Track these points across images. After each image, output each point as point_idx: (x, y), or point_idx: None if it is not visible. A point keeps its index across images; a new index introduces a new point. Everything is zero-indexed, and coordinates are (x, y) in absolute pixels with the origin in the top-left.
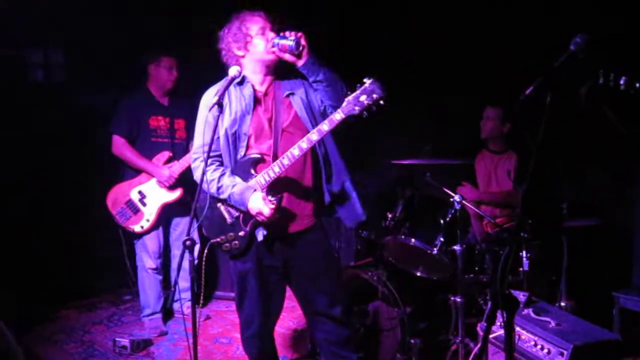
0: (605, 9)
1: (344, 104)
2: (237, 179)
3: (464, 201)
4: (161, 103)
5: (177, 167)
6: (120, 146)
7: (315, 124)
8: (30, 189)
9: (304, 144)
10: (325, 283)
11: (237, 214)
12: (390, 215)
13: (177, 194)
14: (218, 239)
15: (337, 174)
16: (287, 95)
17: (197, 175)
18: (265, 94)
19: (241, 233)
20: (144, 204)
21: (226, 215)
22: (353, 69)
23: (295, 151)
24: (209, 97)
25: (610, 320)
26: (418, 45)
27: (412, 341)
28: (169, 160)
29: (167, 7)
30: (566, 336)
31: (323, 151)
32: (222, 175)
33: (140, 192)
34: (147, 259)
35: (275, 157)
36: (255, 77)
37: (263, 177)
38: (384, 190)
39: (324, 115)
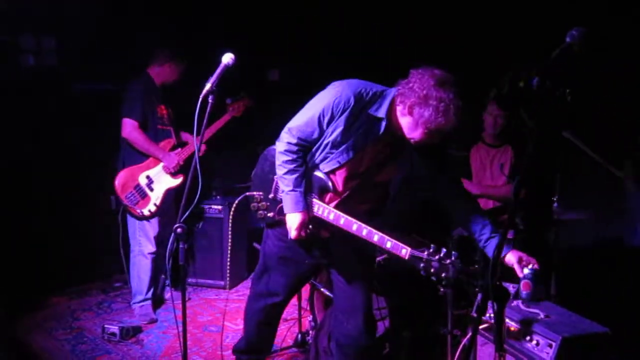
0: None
1: (418, 251)
2: (302, 188)
3: None
4: (161, 92)
5: (182, 153)
6: (132, 130)
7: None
8: (20, 176)
9: (364, 231)
10: (352, 284)
11: (280, 200)
12: None
13: (179, 179)
14: (255, 193)
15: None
16: (400, 155)
17: (278, 146)
18: (389, 142)
19: (270, 214)
20: (152, 189)
21: (273, 188)
22: (352, 66)
23: (354, 226)
24: (341, 99)
25: (599, 314)
26: (415, 36)
27: (403, 333)
28: (173, 148)
29: None
30: (555, 328)
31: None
32: (295, 171)
33: (148, 177)
34: (146, 244)
35: (348, 197)
36: (395, 124)
37: (320, 207)
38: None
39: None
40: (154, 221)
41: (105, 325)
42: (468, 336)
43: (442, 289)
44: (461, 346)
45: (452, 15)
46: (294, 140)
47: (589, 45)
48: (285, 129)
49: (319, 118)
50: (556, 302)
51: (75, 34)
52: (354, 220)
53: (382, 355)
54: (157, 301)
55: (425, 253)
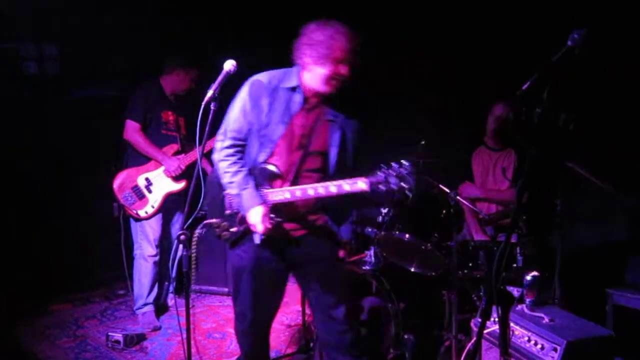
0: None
1: (374, 176)
2: (251, 184)
3: (458, 197)
4: (170, 100)
5: (185, 159)
6: (133, 131)
7: (335, 161)
8: (23, 183)
9: (321, 189)
10: (330, 283)
11: (236, 209)
12: (385, 211)
13: (181, 184)
14: (213, 221)
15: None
16: (329, 120)
17: (215, 157)
18: (311, 109)
19: (234, 229)
20: (150, 191)
21: (227, 205)
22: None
23: (310, 191)
24: (256, 85)
25: (603, 317)
26: (417, 38)
27: (406, 336)
28: (177, 153)
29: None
30: (560, 332)
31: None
32: (239, 172)
33: (147, 179)
34: (146, 247)
35: (295, 177)
36: (308, 89)
37: (274, 194)
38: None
39: (346, 163)
40: (155, 224)
41: (109, 333)
42: (473, 340)
43: (445, 294)
44: (466, 350)
45: (455, 19)
46: (228, 143)
47: (590, 48)
48: (217, 138)
49: (243, 110)
50: (560, 306)
51: (77, 41)
52: (307, 186)
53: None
54: (161, 308)
55: (381, 174)
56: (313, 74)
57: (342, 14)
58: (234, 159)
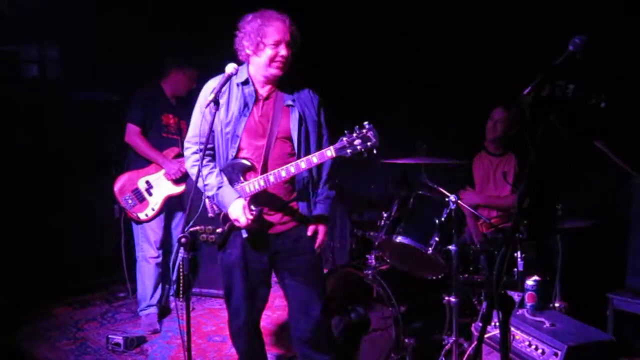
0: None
1: (338, 142)
2: (225, 181)
3: (459, 201)
4: (171, 102)
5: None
6: (134, 135)
7: (302, 142)
8: (24, 186)
9: (292, 168)
10: (307, 280)
11: (218, 210)
12: (385, 215)
13: (182, 187)
14: (197, 228)
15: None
16: (288, 106)
17: (187, 165)
18: (267, 98)
19: (219, 230)
20: (150, 194)
21: (209, 209)
22: (351, 68)
23: (282, 172)
24: (206, 89)
25: (604, 322)
26: (417, 44)
27: (406, 340)
28: (177, 156)
29: (163, 4)
30: (560, 336)
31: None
32: (211, 173)
33: (147, 182)
34: (148, 248)
35: (265, 165)
36: (258, 80)
37: (248, 186)
38: (379, 190)
39: (311, 140)
40: (156, 226)
41: (110, 336)
42: (473, 345)
43: (446, 298)
44: (466, 355)
45: (455, 23)
46: (195, 148)
47: (591, 53)
48: (185, 147)
49: (202, 114)
50: (561, 311)
51: (78, 44)
52: (278, 169)
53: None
54: (162, 311)
55: (344, 139)
56: (256, 63)
57: (344, 16)
58: (204, 161)
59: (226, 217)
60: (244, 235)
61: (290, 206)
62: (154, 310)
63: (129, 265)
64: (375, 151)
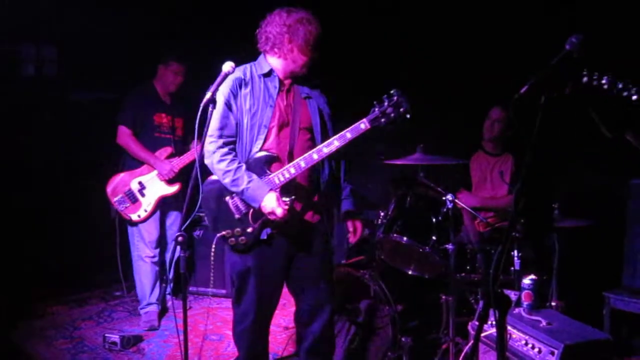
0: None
1: (371, 114)
2: (254, 175)
3: (456, 200)
4: (164, 101)
5: (178, 162)
6: (125, 136)
7: (323, 133)
8: (20, 184)
9: (325, 149)
10: (320, 280)
11: (245, 209)
12: (382, 214)
13: (175, 187)
14: (224, 233)
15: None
16: (305, 97)
17: (208, 161)
18: (288, 90)
19: (249, 229)
20: (143, 195)
21: (234, 209)
22: (350, 68)
23: (314, 155)
24: (229, 82)
25: (601, 321)
26: (415, 43)
27: (403, 339)
28: (171, 156)
29: (162, 4)
30: (557, 335)
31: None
32: (239, 167)
33: (140, 183)
34: (144, 248)
35: (290, 155)
36: (281, 73)
37: (278, 177)
38: (377, 189)
39: (327, 130)
40: (151, 226)
41: (106, 334)
42: (470, 344)
43: (443, 297)
44: (463, 354)
45: (453, 23)
46: (221, 142)
47: (588, 52)
48: (207, 141)
49: (227, 106)
50: (558, 310)
51: (75, 43)
52: (309, 152)
53: None
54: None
55: (377, 110)
56: (293, 60)
57: (343, 15)
58: (230, 157)
59: (256, 215)
60: (263, 237)
61: (315, 197)
62: (154, 308)
63: (124, 264)
64: (408, 116)
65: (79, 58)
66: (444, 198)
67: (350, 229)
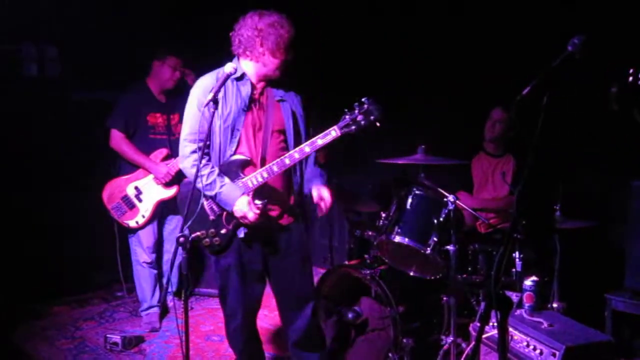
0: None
1: (341, 121)
2: (227, 179)
3: (457, 201)
4: (158, 100)
5: (175, 164)
6: (118, 140)
7: (296, 136)
8: (22, 184)
9: (296, 154)
10: (300, 278)
11: (219, 211)
12: (384, 215)
13: (173, 191)
14: (198, 233)
15: (307, 180)
16: (279, 100)
17: (185, 164)
18: (261, 94)
19: (223, 231)
20: (140, 200)
21: (209, 211)
22: (351, 67)
23: (286, 160)
24: (202, 87)
25: (602, 322)
26: (416, 44)
27: (405, 341)
28: (167, 157)
29: (162, 3)
30: (558, 337)
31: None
32: (212, 171)
33: (136, 188)
34: (141, 254)
35: (263, 158)
36: (254, 77)
37: (251, 180)
38: (378, 190)
39: (301, 133)
40: (149, 231)
41: (108, 335)
42: (471, 345)
43: (444, 298)
44: (464, 355)
45: (455, 26)
46: (194, 147)
47: (591, 53)
48: (182, 146)
49: (199, 111)
50: (560, 311)
51: (77, 43)
52: (281, 157)
53: None
54: (161, 311)
55: (347, 117)
56: (264, 64)
57: (343, 17)
58: (204, 161)
59: (230, 217)
60: (240, 235)
61: (289, 200)
62: (154, 310)
63: (124, 265)
64: (378, 124)
65: (80, 58)
66: (445, 199)
67: (316, 199)
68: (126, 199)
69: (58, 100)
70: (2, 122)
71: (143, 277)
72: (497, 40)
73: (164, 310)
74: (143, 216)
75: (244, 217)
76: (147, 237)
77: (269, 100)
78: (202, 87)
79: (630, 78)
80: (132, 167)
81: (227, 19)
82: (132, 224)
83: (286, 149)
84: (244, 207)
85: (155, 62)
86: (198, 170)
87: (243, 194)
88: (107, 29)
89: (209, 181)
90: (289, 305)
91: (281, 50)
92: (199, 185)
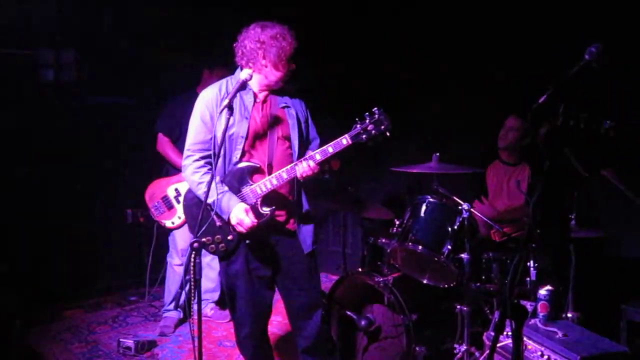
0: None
1: (352, 130)
2: (226, 188)
3: (472, 210)
4: None
5: None
6: (163, 144)
7: (301, 141)
8: (38, 188)
9: (304, 163)
10: (308, 285)
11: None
12: (397, 222)
13: None
14: (204, 239)
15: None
16: (283, 107)
17: (186, 172)
18: (264, 102)
19: (230, 237)
20: (179, 202)
21: (215, 217)
22: (366, 77)
23: (297, 167)
24: (205, 98)
25: (617, 333)
26: (431, 51)
27: (417, 349)
28: None
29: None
30: (573, 347)
31: None
32: (211, 181)
33: (176, 190)
34: (174, 256)
35: (270, 165)
36: (257, 86)
37: (259, 187)
38: (393, 197)
39: (306, 139)
40: (185, 235)
41: (121, 339)
42: (485, 354)
43: (458, 307)
44: None
45: (471, 34)
46: (197, 155)
47: (608, 62)
48: (184, 155)
49: (203, 121)
50: (574, 321)
51: (93, 48)
52: (290, 166)
53: None
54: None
55: (358, 126)
56: (266, 75)
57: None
58: (204, 169)
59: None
60: (247, 241)
61: (295, 205)
62: (174, 314)
63: (153, 266)
64: (388, 134)
65: (97, 63)
66: (460, 207)
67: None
68: (166, 199)
69: (75, 105)
70: (19, 127)
71: (171, 280)
72: (513, 48)
73: (186, 317)
74: (179, 217)
75: (240, 224)
76: (182, 239)
77: (273, 108)
78: (205, 99)
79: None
80: (176, 170)
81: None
82: (168, 223)
83: (292, 154)
84: (240, 214)
85: (205, 72)
86: (202, 179)
87: (240, 202)
88: (124, 33)
89: (207, 188)
90: (298, 312)
91: (283, 62)
92: (199, 192)
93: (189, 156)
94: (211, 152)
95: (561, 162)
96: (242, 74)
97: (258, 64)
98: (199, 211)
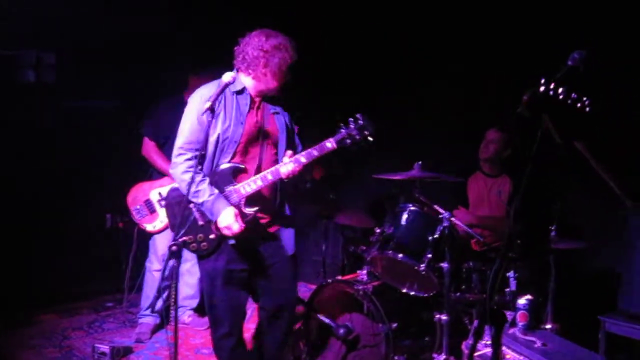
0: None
1: (337, 135)
2: (216, 190)
3: (453, 219)
4: None
5: None
6: (148, 149)
7: (287, 148)
8: (15, 191)
9: (290, 165)
10: (284, 287)
11: (209, 217)
12: (378, 230)
13: None
14: (185, 238)
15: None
16: (274, 113)
17: (176, 170)
18: (258, 107)
19: (212, 236)
20: (162, 206)
21: (198, 216)
22: (347, 84)
23: (281, 169)
24: (201, 96)
25: (596, 344)
26: (416, 60)
27: (396, 358)
28: None
29: (164, 7)
30: (552, 356)
31: None
32: (203, 180)
33: (160, 194)
34: (154, 261)
35: (258, 169)
36: (253, 91)
37: (244, 187)
38: (373, 205)
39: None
40: (166, 240)
41: (96, 345)
42: None
43: (437, 316)
44: None
45: (455, 44)
46: (189, 155)
47: (592, 65)
48: (176, 152)
49: (197, 121)
50: (553, 332)
51: (74, 50)
52: (275, 167)
53: None
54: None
55: (343, 131)
56: (265, 83)
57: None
58: (196, 169)
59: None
60: (231, 242)
61: (278, 208)
62: (150, 320)
63: (132, 270)
64: (371, 139)
65: (78, 65)
66: (440, 216)
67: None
68: (148, 203)
69: (55, 107)
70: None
71: (149, 285)
72: (498, 59)
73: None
74: (161, 222)
75: (228, 228)
76: (162, 245)
77: (265, 113)
78: (200, 97)
79: (542, 87)
80: (161, 174)
81: (224, 29)
82: (149, 227)
83: (277, 161)
84: (230, 218)
85: (192, 77)
86: (193, 178)
87: (230, 206)
88: (105, 36)
89: (198, 188)
90: (271, 312)
91: (282, 72)
92: (190, 191)
93: (180, 154)
94: (202, 153)
95: (542, 173)
96: (225, 77)
97: (258, 72)
98: (181, 210)
